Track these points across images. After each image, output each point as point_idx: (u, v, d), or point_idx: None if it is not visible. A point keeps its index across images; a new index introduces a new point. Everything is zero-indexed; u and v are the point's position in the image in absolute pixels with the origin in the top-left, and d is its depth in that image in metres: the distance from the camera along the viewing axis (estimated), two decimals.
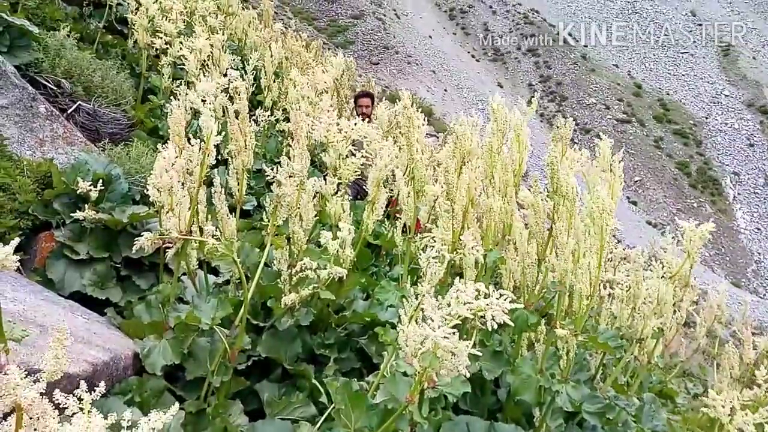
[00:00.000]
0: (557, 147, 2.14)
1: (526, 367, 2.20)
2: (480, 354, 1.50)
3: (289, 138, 4.94)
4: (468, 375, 1.59)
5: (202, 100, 2.11)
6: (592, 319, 3.50)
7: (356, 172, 2.95)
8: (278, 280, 2.62)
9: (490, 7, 63.63)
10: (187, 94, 2.53)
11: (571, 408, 2.09)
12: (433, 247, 1.97)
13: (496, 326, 1.43)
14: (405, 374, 1.93)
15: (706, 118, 54.29)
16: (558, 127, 2.18)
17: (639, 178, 47.51)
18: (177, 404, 0.95)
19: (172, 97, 2.53)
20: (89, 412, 0.83)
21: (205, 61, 3.80)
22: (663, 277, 2.79)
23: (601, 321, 3.43)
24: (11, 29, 3.75)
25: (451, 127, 2.20)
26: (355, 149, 2.93)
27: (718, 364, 4.21)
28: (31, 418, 0.78)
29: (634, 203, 45.38)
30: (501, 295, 1.46)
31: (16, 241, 1.24)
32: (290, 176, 2.23)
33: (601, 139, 2.26)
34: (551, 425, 2.29)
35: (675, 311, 3.43)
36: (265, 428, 2.05)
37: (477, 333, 2.29)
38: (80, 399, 0.84)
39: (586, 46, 59.13)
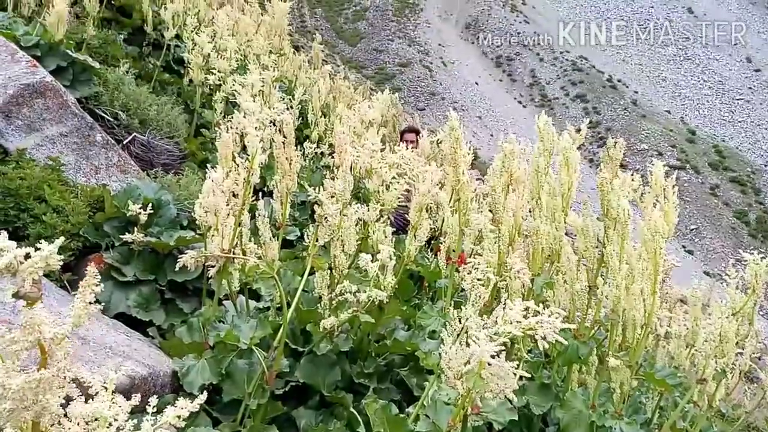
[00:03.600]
0: (607, 169, 2.06)
1: (576, 402, 2.07)
2: (527, 376, 1.41)
3: (334, 170, 4.98)
4: (515, 401, 1.50)
5: (247, 110, 2.14)
6: (648, 359, 3.31)
7: (399, 199, 2.92)
8: (318, 305, 2.59)
9: (538, 54, 64.05)
10: (238, 120, 2.58)
11: None
12: (478, 269, 1.91)
13: (545, 351, 1.35)
14: (447, 403, 1.84)
15: (765, 165, 52.44)
16: (608, 148, 2.11)
17: (695, 226, 45.92)
18: (205, 394, 0.91)
19: (222, 125, 2.58)
20: (113, 392, 0.81)
21: (255, 95, 3.91)
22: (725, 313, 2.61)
23: (657, 361, 3.24)
24: (75, 65, 3.96)
25: (498, 146, 2.16)
26: (398, 178, 2.92)
27: None
28: (50, 360, 0.76)
29: (690, 252, 43.75)
30: (552, 314, 1.38)
31: (60, 240, 1.25)
32: (332, 197, 2.22)
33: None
34: None
35: (738, 355, 3.21)
36: None
37: (524, 365, 2.19)
38: (105, 381, 0.82)
39: (636, 92, 58.51)
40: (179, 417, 0.83)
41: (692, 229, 45.70)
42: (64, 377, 0.78)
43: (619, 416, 2.01)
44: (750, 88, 58.88)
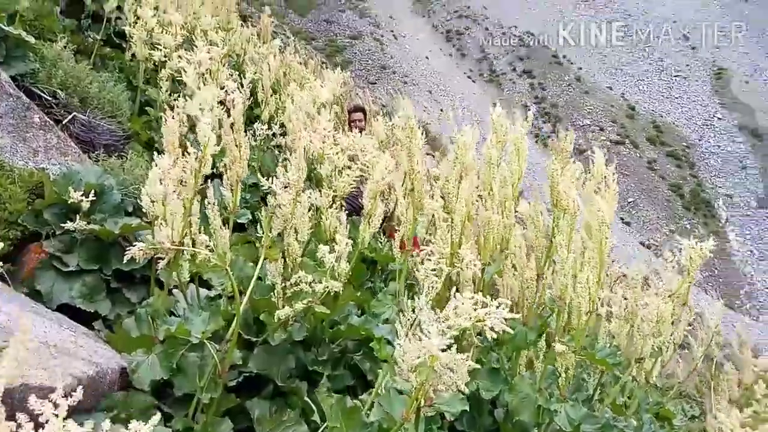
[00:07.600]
0: (557, 160, 2.12)
1: (524, 386, 2.15)
2: (477, 367, 1.45)
3: (286, 152, 4.90)
4: (467, 392, 1.55)
5: (201, 109, 2.08)
6: (589, 337, 3.46)
7: (351, 184, 2.92)
8: (272, 294, 2.57)
9: (487, 29, 64.31)
10: (184, 106, 2.49)
11: (569, 428, 2.04)
12: (431, 260, 1.94)
13: (494, 337, 1.39)
14: (400, 392, 1.88)
15: (699, 140, 54.71)
16: (558, 139, 2.16)
17: (632, 199, 47.70)
18: (159, 415, 0.90)
19: (168, 109, 2.48)
20: (64, 418, 0.79)
21: (203, 73, 3.78)
22: (661, 295, 2.75)
23: (598, 340, 3.38)
24: (7, 39, 3.72)
25: (452, 138, 2.17)
26: (351, 164, 2.90)
27: (715, 386, 4.16)
28: None
29: (628, 224, 45.47)
30: (499, 305, 1.42)
31: None
32: (285, 187, 2.19)
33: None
34: None
35: (672, 332, 3.39)
36: None
37: (474, 350, 2.25)
38: (56, 405, 0.80)
39: (581, 68, 59.71)
40: None
41: (630, 202, 47.40)
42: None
43: (564, 399, 2.10)
44: (687, 65, 60.96)
